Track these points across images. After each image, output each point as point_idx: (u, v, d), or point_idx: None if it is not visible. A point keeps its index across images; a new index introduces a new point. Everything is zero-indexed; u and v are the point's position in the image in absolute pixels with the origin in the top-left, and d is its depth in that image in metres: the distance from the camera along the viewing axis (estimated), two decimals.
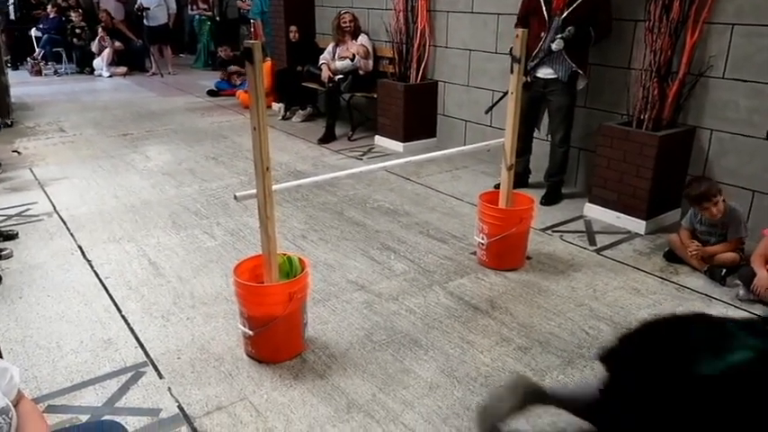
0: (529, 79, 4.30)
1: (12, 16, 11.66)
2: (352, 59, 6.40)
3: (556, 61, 4.26)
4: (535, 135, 4.72)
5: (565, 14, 4.15)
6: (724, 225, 3.41)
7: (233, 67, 9.13)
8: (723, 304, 3.11)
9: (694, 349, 1.41)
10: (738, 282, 3.21)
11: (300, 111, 7.34)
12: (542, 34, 4.26)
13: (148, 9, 10.81)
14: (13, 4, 11.57)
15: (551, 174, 4.60)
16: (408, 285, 3.30)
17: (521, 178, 4.65)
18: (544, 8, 4.22)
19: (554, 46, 4.13)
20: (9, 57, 11.33)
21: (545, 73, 4.34)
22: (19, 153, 5.86)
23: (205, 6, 12.38)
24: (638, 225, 3.99)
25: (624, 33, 4.29)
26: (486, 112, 4.51)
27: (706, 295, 3.20)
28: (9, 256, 3.59)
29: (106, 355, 2.67)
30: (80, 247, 3.76)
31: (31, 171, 5.30)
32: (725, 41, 3.78)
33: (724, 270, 3.30)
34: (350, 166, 5.48)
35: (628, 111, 4.24)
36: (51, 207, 4.43)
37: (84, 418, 2.28)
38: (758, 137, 3.74)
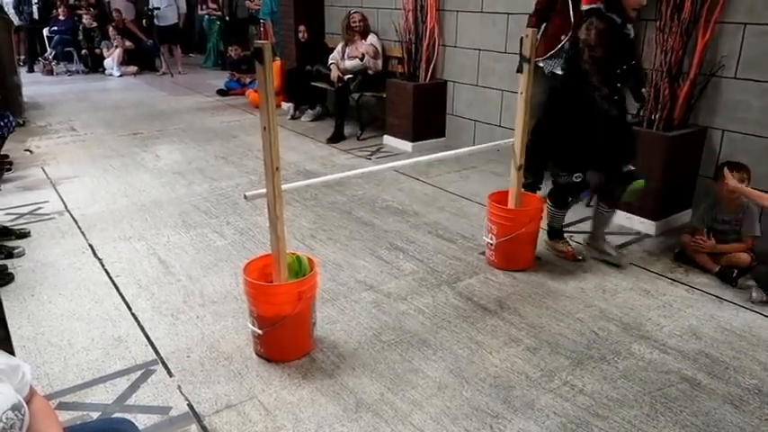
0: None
1: (35, 15, 11.71)
2: (362, 59, 6.40)
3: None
4: None
5: None
6: (738, 221, 3.38)
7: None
8: (734, 306, 3.09)
9: None
10: (750, 283, 3.18)
11: (310, 110, 7.36)
12: (562, 36, 4.20)
13: (158, 9, 10.87)
14: (37, 3, 11.62)
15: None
16: (417, 285, 3.30)
17: (533, 188, 4.41)
18: (572, 9, 4.11)
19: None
20: (24, 56, 11.40)
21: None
22: (31, 152, 5.91)
23: (215, 6, 12.42)
24: (648, 226, 3.97)
25: (635, 33, 4.25)
26: None
27: (717, 297, 3.18)
28: (21, 255, 3.62)
29: (117, 353, 2.68)
30: (91, 246, 3.78)
31: (43, 170, 5.34)
32: (737, 41, 3.75)
33: (735, 271, 3.27)
34: (359, 165, 5.49)
35: (638, 111, 4.21)
36: (63, 206, 4.47)
37: (94, 415, 2.30)
38: None
